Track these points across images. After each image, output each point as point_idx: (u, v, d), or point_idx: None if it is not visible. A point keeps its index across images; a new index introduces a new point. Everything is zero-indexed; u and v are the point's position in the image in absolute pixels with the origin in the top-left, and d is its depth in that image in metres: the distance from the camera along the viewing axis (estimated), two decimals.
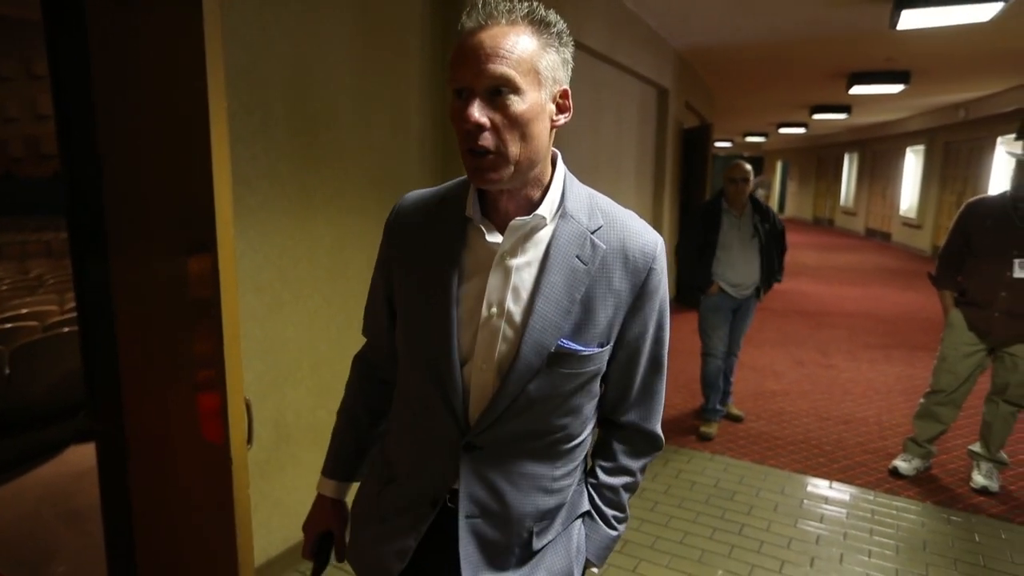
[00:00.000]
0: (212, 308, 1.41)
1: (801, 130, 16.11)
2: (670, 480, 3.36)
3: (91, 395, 2.07)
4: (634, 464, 1.13)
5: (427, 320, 0.98)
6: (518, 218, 0.95)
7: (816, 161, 21.39)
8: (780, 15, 5.41)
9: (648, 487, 3.27)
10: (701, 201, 7.48)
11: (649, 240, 1.01)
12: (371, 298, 1.15)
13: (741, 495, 3.21)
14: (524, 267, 0.96)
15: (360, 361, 1.23)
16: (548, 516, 1.05)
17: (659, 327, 1.05)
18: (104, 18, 1.63)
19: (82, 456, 3.45)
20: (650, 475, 3.40)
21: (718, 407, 4.00)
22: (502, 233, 0.96)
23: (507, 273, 0.96)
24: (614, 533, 1.12)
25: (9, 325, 4.00)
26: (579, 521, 1.11)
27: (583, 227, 0.98)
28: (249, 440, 1.51)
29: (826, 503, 3.14)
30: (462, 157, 0.92)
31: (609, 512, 1.12)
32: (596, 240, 0.98)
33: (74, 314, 4.34)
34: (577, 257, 0.96)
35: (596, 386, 1.06)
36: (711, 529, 2.89)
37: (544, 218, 0.96)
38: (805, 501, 3.16)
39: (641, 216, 1.05)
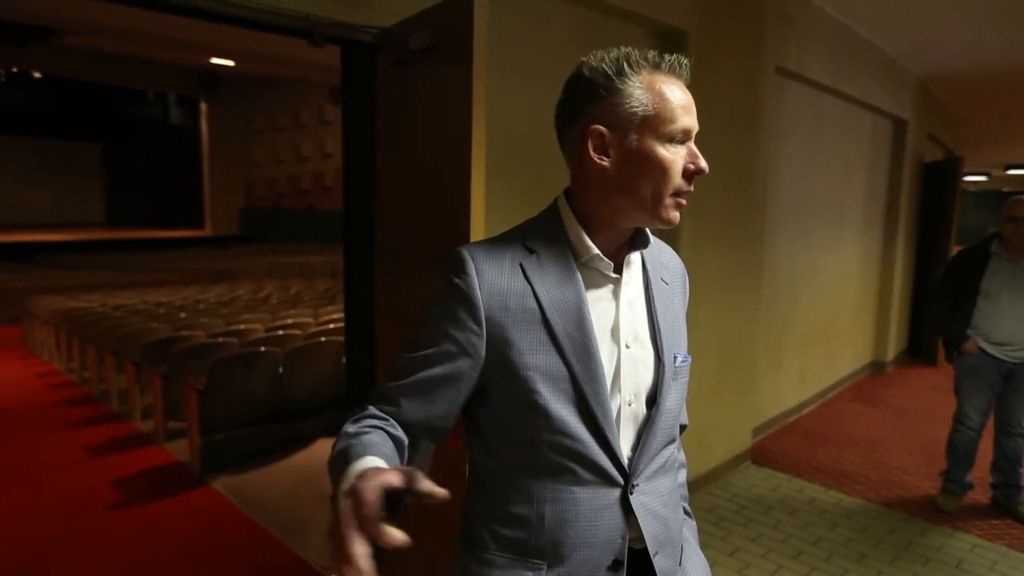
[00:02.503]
0: None
1: None
2: (898, 551, 3.00)
3: (350, 393, 2.45)
4: (684, 455, 1.22)
5: (573, 371, 0.94)
6: (641, 250, 1.03)
7: None
8: None
9: (870, 553, 2.96)
10: (945, 245, 6.63)
11: (680, 261, 1.15)
12: (426, 374, 0.94)
13: None
14: (636, 295, 1.03)
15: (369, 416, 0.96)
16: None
17: None
18: (389, 79, 1.99)
19: (329, 448, 4.02)
20: (872, 541, 3.08)
21: (966, 480, 3.45)
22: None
23: (630, 303, 1.02)
24: (694, 522, 1.20)
25: (281, 332, 4.83)
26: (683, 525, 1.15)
27: (653, 252, 1.08)
28: None
29: None
30: (664, 199, 0.93)
31: (687, 506, 1.19)
32: (663, 261, 1.09)
33: (327, 326, 5.13)
34: (661, 279, 1.07)
35: None
36: None
37: (651, 245, 1.05)
38: None
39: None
